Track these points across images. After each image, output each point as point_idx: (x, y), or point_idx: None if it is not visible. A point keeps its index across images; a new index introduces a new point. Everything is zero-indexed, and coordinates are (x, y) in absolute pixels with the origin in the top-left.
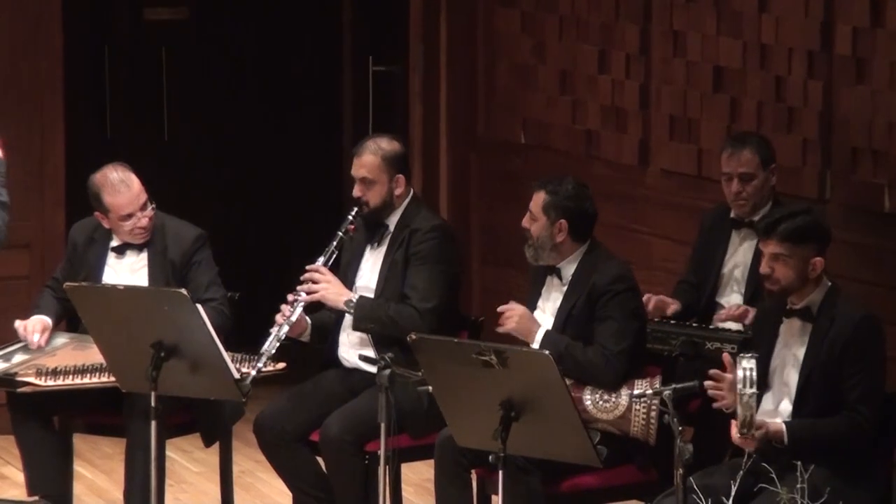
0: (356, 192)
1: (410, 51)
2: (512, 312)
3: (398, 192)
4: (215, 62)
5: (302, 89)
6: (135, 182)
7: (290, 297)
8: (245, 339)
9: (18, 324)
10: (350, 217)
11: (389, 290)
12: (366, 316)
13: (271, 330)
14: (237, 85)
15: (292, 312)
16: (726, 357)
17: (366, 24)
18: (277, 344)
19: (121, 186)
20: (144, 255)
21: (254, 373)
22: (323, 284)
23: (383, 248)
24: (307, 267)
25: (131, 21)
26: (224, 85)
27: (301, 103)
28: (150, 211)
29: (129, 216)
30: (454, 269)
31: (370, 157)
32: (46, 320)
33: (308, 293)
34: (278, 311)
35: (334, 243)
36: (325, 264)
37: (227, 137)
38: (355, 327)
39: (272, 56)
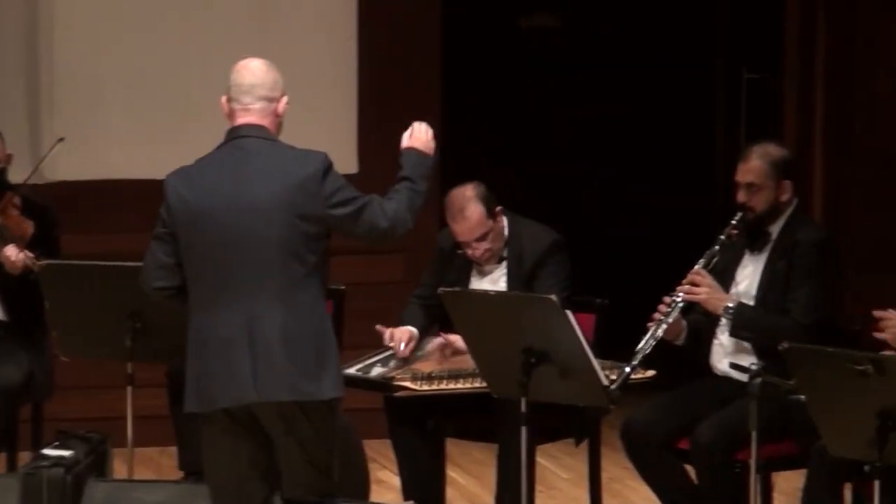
0: (740, 197)
1: (786, 59)
2: None
3: (783, 198)
4: (585, 70)
5: (674, 97)
6: (474, 214)
7: (666, 299)
8: (614, 347)
9: (384, 330)
10: (733, 222)
11: (770, 299)
12: (744, 325)
13: (648, 326)
14: (607, 91)
15: (669, 313)
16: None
17: (740, 32)
18: (654, 342)
19: (458, 215)
20: (504, 266)
21: (628, 369)
22: (704, 288)
23: (764, 256)
24: (692, 271)
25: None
26: (593, 91)
27: (672, 111)
28: (487, 243)
29: (464, 243)
30: (838, 284)
31: (757, 162)
32: (413, 331)
33: (687, 295)
34: (650, 315)
35: (716, 248)
36: (705, 268)
37: (599, 144)
38: (732, 334)
39: (643, 63)
